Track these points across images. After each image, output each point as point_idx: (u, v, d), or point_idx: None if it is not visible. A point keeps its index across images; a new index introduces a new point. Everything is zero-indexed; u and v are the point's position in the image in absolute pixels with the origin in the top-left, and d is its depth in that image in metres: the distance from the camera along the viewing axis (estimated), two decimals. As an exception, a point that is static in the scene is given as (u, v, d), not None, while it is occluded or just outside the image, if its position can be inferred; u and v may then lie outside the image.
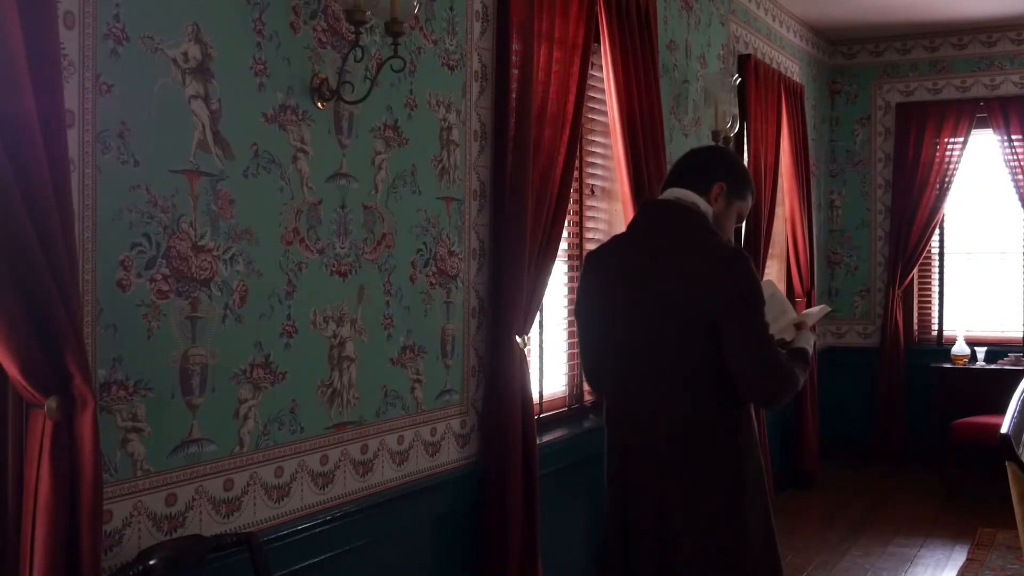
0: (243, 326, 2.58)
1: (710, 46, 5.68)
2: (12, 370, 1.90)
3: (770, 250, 6.42)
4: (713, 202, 2.93)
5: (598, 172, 4.63)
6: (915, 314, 7.94)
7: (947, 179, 7.60)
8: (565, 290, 4.41)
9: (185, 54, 2.41)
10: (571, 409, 4.45)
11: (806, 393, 6.92)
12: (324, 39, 2.83)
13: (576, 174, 4.31)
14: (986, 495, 6.32)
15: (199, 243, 2.45)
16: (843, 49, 8.02)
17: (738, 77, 5.61)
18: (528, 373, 3.63)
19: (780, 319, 3.00)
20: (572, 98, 3.81)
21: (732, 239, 3.10)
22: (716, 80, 5.43)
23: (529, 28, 3.54)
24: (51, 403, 1.94)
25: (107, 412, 2.22)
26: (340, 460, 2.91)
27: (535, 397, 3.90)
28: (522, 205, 3.48)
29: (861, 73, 8.01)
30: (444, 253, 3.35)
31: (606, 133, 4.53)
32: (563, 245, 4.18)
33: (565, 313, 4.42)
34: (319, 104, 2.80)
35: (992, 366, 7.16)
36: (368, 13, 2.71)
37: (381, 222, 3.06)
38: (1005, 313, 7.60)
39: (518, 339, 3.53)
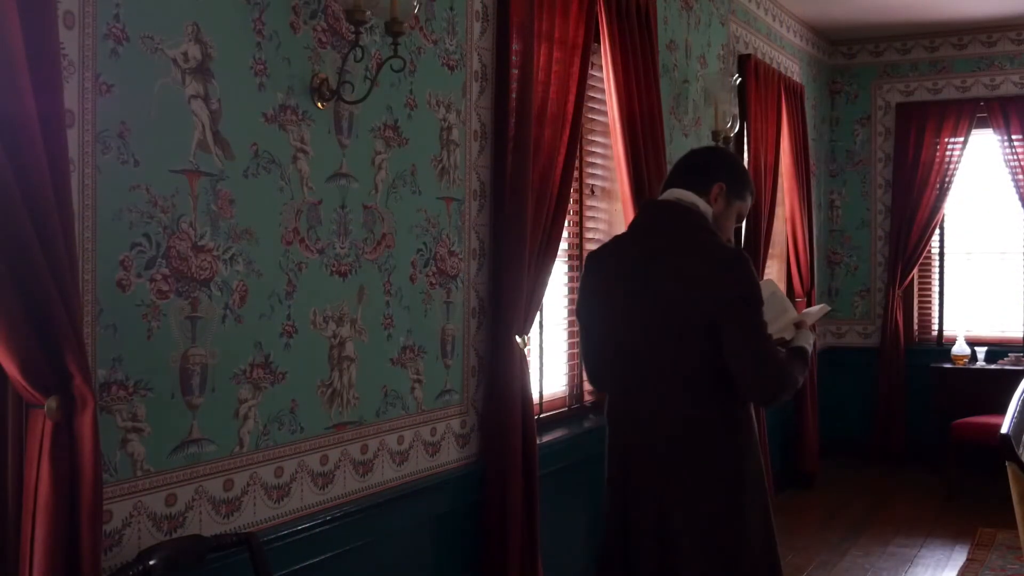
0: (243, 326, 2.58)
1: (710, 46, 5.68)
2: (12, 370, 1.90)
3: (770, 250, 6.42)
4: (713, 202, 2.94)
5: (598, 172, 4.63)
6: (915, 314, 7.94)
7: (947, 179, 7.60)
8: (565, 290, 4.41)
9: (185, 54, 2.41)
10: (571, 409, 4.45)
11: (806, 393, 6.92)
12: (324, 39, 2.83)
13: (576, 174, 4.31)
14: (986, 495, 6.32)
15: (199, 243, 2.45)
16: (843, 49, 8.02)
17: (738, 77, 5.61)
18: (528, 373, 3.63)
19: (781, 318, 3.01)
20: (572, 98, 3.81)
21: (732, 239, 3.11)
22: (716, 80, 5.43)
23: (529, 28, 3.54)
24: (51, 403, 1.94)
25: (107, 412, 2.22)
26: (340, 460, 2.91)
27: (535, 397, 3.90)
28: (522, 205, 3.48)
29: (861, 73, 8.01)
30: (444, 253, 3.35)
31: (606, 133, 4.53)
32: (563, 245, 4.18)
33: (565, 313, 4.42)
34: (319, 104, 2.80)
35: (992, 366, 7.16)
36: (368, 13, 2.71)
37: (381, 222, 3.06)
38: (1005, 313, 7.60)
39: (518, 339, 3.53)
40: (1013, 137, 7.33)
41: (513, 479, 3.46)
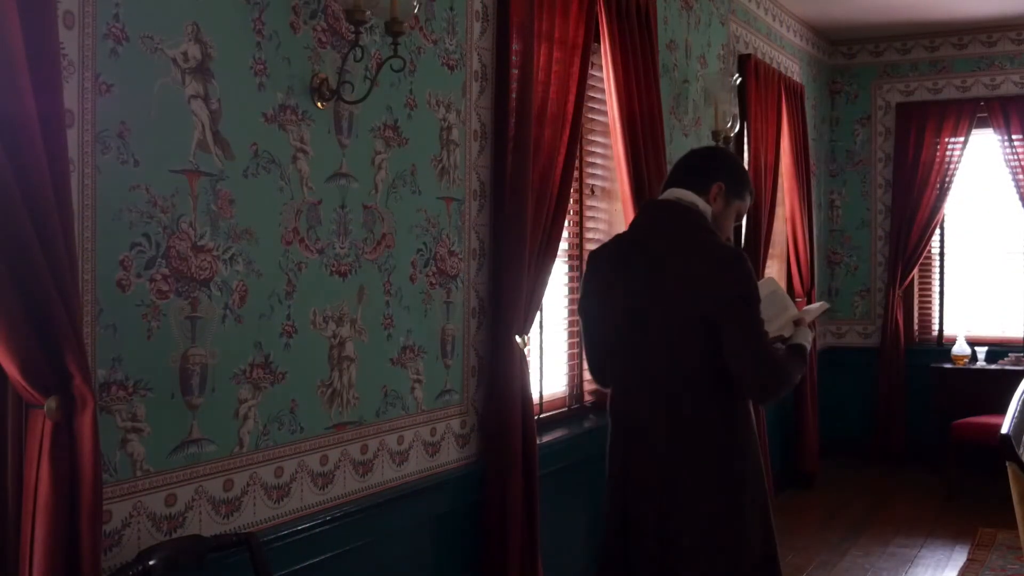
0: (243, 326, 2.58)
1: (710, 46, 5.68)
2: (12, 370, 1.90)
3: (770, 250, 6.42)
4: (712, 202, 2.96)
5: (598, 172, 4.63)
6: (915, 314, 7.94)
7: (947, 179, 7.60)
8: (565, 290, 4.41)
9: (185, 54, 2.41)
10: (571, 409, 4.45)
11: (806, 393, 6.92)
12: (324, 39, 2.83)
13: (576, 174, 4.31)
14: (986, 495, 6.32)
15: (199, 243, 2.45)
16: (843, 49, 8.02)
17: (738, 77, 5.61)
18: (528, 373, 3.63)
19: (781, 316, 3.03)
20: (572, 98, 3.80)
21: (731, 238, 3.12)
22: (716, 80, 5.43)
23: (529, 28, 3.54)
24: (51, 403, 1.94)
25: (107, 412, 2.22)
26: (340, 460, 2.91)
27: (535, 397, 3.89)
28: (522, 205, 3.48)
29: (861, 73, 8.01)
30: (444, 253, 3.35)
31: (606, 133, 4.53)
32: (563, 245, 4.18)
33: (565, 313, 4.42)
34: (319, 104, 2.80)
35: (992, 366, 7.16)
36: (368, 13, 2.71)
37: (381, 222, 3.06)
38: (1005, 313, 7.60)
39: (518, 339, 3.53)
40: (1013, 137, 7.33)
41: (513, 479, 3.46)
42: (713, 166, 3.02)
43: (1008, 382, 5.76)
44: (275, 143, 2.67)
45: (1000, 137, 7.39)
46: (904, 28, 7.56)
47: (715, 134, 5.43)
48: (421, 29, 3.22)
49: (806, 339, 3.04)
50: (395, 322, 3.13)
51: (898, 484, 7.14)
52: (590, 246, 4.44)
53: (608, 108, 4.33)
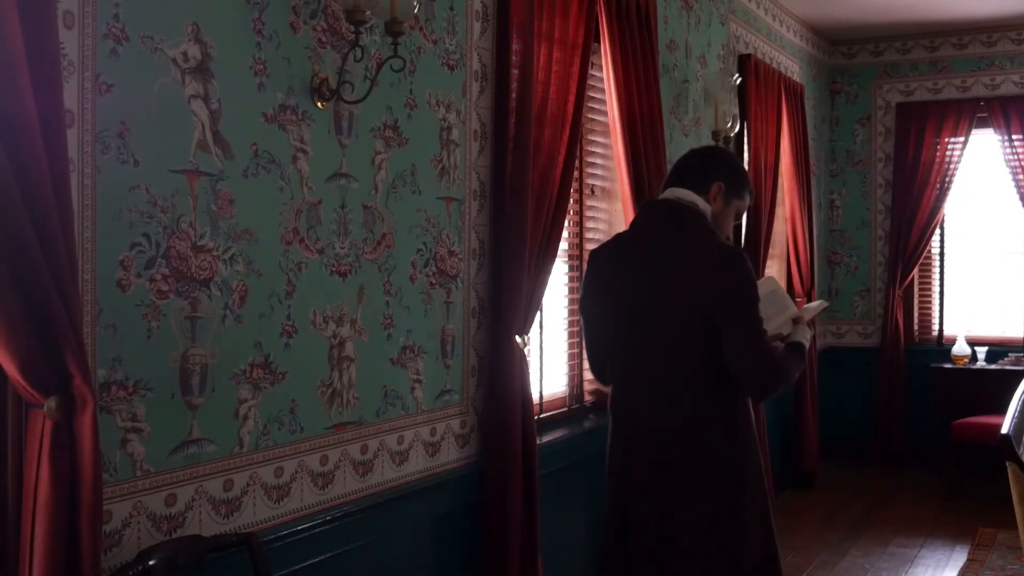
0: (243, 326, 2.58)
1: (710, 46, 5.68)
2: (12, 370, 1.90)
3: (770, 250, 6.42)
4: (712, 201, 2.98)
5: (598, 172, 4.63)
6: (915, 314, 7.94)
7: (947, 179, 7.60)
8: (565, 290, 4.41)
9: (185, 54, 2.41)
10: (571, 409, 4.45)
11: (806, 393, 6.92)
12: (324, 39, 2.83)
13: (576, 174, 4.31)
14: (986, 495, 6.32)
15: (199, 243, 2.45)
16: (843, 49, 8.02)
17: (738, 77, 5.61)
18: (528, 373, 3.63)
19: (780, 314, 3.06)
20: (572, 98, 3.80)
21: (731, 237, 3.14)
22: (716, 80, 5.43)
23: (529, 28, 3.54)
24: (51, 403, 1.94)
25: (107, 412, 2.22)
26: (340, 460, 2.91)
27: (535, 397, 3.89)
28: (522, 205, 3.48)
29: (861, 73, 8.01)
30: (444, 253, 3.35)
31: (606, 133, 4.53)
32: (563, 245, 4.18)
33: (565, 313, 4.42)
34: (319, 104, 2.80)
35: (992, 366, 7.16)
36: (368, 13, 2.71)
37: (381, 222, 3.06)
38: (1005, 313, 7.59)
39: (518, 339, 3.53)
40: (1013, 137, 7.33)
41: (513, 479, 3.46)
42: (713, 166, 3.03)
43: (1008, 382, 5.76)
44: (275, 143, 2.67)
45: (1000, 137, 7.39)
46: (904, 28, 7.56)
47: (715, 134, 5.43)
48: (421, 29, 3.22)
49: (804, 337, 3.07)
50: (395, 322, 3.13)
51: (898, 484, 7.13)
52: (590, 246, 4.44)
53: (608, 108, 4.33)
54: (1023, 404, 3.67)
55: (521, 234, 3.48)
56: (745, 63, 6.02)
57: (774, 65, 6.63)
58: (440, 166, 3.32)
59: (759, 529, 2.90)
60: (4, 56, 1.83)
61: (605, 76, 4.29)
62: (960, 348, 7.28)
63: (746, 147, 5.95)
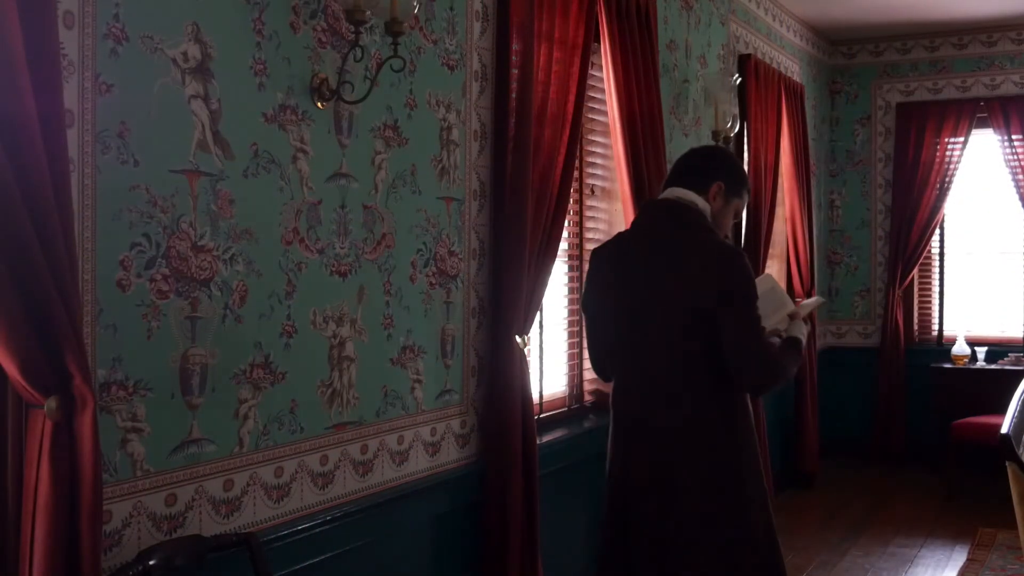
0: (243, 326, 2.58)
1: (710, 46, 5.68)
2: (12, 370, 1.90)
3: (770, 250, 6.42)
4: (712, 201, 2.99)
5: (598, 172, 4.63)
6: (915, 314, 7.94)
7: (947, 179, 7.60)
8: (565, 290, 4.41)
9: (185, 54, 2.41)
10: (571, 409, 4.45)
11: (806, 393, 6.92)
12: (324, 39, 2.83)
13: (576, 174, 4.31)
14: (986, 495, 6.32)
15: (199, 243, 2.45)
16: (843, 49, 8.02)
17: (738, 77, 5.61)
18: (528, 373, 3.63)
19: (779, 311, 3.12)
20: (572, 98, 3.81)
21: (729, 235, 3.17)
22: (716, 80, 5.43)
23: (529, 28, 3.54)
24: (51, 403, 1.94)
25: (107, 412, 2.22)
26: (340, 460, 2.91)
27: (535, 397, 3.90)
28: (522, 205, 3.48)
29: (861, 73, 8.01)
30: (444, 253, 3.35)
31: (606, 133, 4.53)
32: (563, 245, 4.18)
33: (565, 313, 4.42)
34: (319, 104, 2.80)
35: (992, 366, 7.16)
36: (368, 13, 2.71)
37: (381, 222, 3.06)
38: (1005, 313, 7.60)
39: (518, 339, 3.53)
40: (1013, 137, 7.33)
41: (513, 479, 3.46)
42: (713, 166, 3.05)
43: (1008, 382, 5.75)
44: (275, 143, 2.67)
45: (1000, 137, 7.39)
46: (904, 28, 7.56)
47: (715, 134, 5.43)
48: (421, 29, 3.22)
49: (801, 332, 3.10)
50: (395, 322, 3.13)
51: (898, 484, 7.13)
52: (590, 246, 4.44)
53: (608, 108, 4.33)
54: (1023, 404, 3.67)
55: (521, 234, 3.48)
56: (745, 63, 6.02)
57: (774, 65, 6.63)
58: (440, 166, 3.32)
59: (760, 529, 2.91)
60: (4, 56, 1.83)
61: (605, 76, 4.29)
62: (960, 348, 7.28)
63: (746, 147, 5.95)
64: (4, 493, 2.06)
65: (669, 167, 3.23)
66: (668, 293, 2.87)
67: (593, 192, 4.60)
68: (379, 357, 3.07)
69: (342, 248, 2.90)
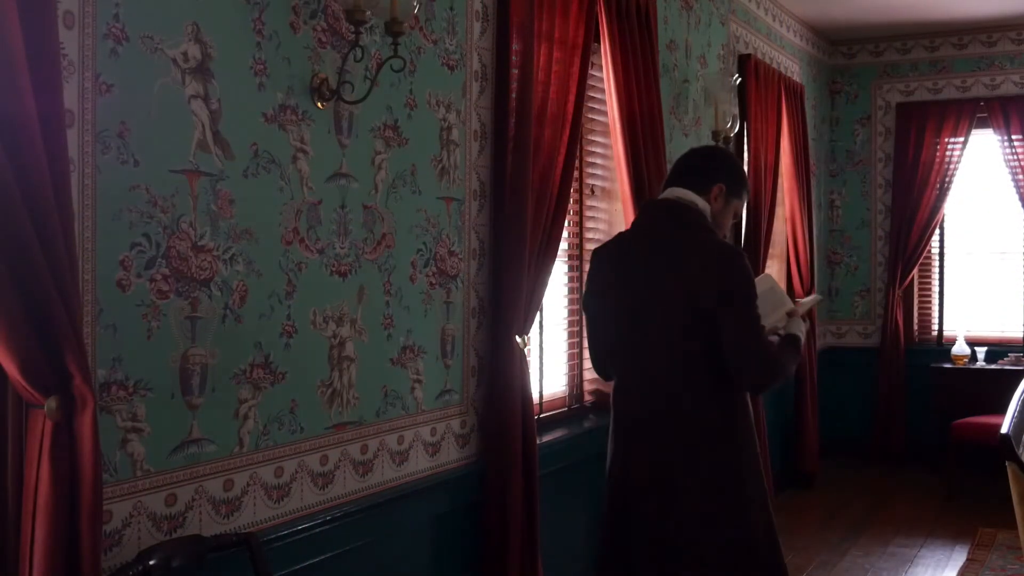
0: (243, 326, 2.58)
1: (710, 46, 5.68)
2: (12, 370, 1.90)
3: (770, 250, 6.42)
4: (712, 201, 3.00)
5: (598, 172, 4.63)
6: (915, 314, 7.94)
7: (947, 179, 7.60)
8: (565, 290, 4.41)
9: (185, 54, 2.41)
10: (571, 409, 4.45)
11: (806, 393, 6.92)
12: (324, 39, 2.83)
13: (576, 174, 4.31)
14: (986, 495, 6.32)
15: (199, 243, 2.45)
16: (843, 49, 8.02)
17: (738, 77, 5.61)
18: (528, 373, 3.63)
19: (778, 310, 3.14)
20: (572, 98, 3.81)
21: (728, 235, 3.17)
22: (716, 80, 5.43)
23: (529, 28, 3.54)
24: (51, 403, 1.94)
25: (107, 412, 2.22)
26: (340, 460, 2.91)
27: (535, 397, 3.90)
28: (522, 205, 3.48)
29: (861, 73, 8.01)
30: (444, 253, 3.35)
31: (606, 133, 4.53)
32: (563, 245, 4.18)
33: (565, 313, 4.42)
34: (319, 104, 2.80)
35: (992, 366, 7.16)
36: (368, 13, 2.71)
37: (381, 222, 3.06)
38: (1005, 313, 7.60)
39: (518, 339, 3.53)
40: (1013, 137, 7.33)
41: (513, 479, 3.46)
42: (713, 166, 3.05)
43: (1008, 382, 5.76)
44: (275, 143, 2.67)
45: (1000, 137, 7.39)
46: (904, 28, 7.56)
47: (715, 134, 5.43)
48: (421, 29, 3.22)
49: (799, 330, 3.12)
50: (395, 322, 3.13)
51: (898, 484, 7.14)
52: (590, 246, 4.44)
53: (608, 108, 4.33)
54: (1023, 404, 3.67)
55: (521, 234, 3.48)
56: (745, 63, 6.02)
57: (774, 65, 6.63)
58: (440, 166, 3.32)
59: (760, 529, 2.91)
60: (4, 56, 1.83)
61: (605, 76, 4.29)
62: (960, 348, 7.28)
63: (746, 147, 5.95)
64: (4, 493, 2.06)
65: (669, 167, 3.23)
66: (668, 293, 2.87)
67: (593, 192, 4.60)
68: (379, 357, 3.07)
69: (342, 248, 2.90)
